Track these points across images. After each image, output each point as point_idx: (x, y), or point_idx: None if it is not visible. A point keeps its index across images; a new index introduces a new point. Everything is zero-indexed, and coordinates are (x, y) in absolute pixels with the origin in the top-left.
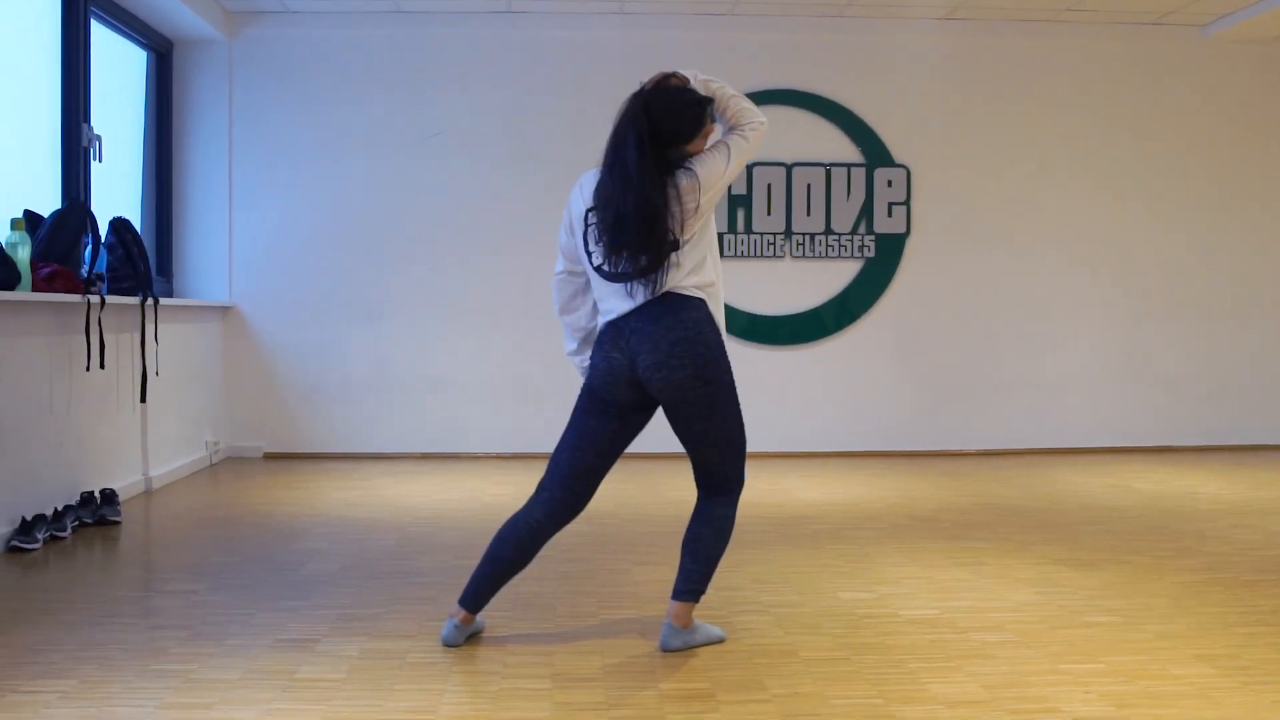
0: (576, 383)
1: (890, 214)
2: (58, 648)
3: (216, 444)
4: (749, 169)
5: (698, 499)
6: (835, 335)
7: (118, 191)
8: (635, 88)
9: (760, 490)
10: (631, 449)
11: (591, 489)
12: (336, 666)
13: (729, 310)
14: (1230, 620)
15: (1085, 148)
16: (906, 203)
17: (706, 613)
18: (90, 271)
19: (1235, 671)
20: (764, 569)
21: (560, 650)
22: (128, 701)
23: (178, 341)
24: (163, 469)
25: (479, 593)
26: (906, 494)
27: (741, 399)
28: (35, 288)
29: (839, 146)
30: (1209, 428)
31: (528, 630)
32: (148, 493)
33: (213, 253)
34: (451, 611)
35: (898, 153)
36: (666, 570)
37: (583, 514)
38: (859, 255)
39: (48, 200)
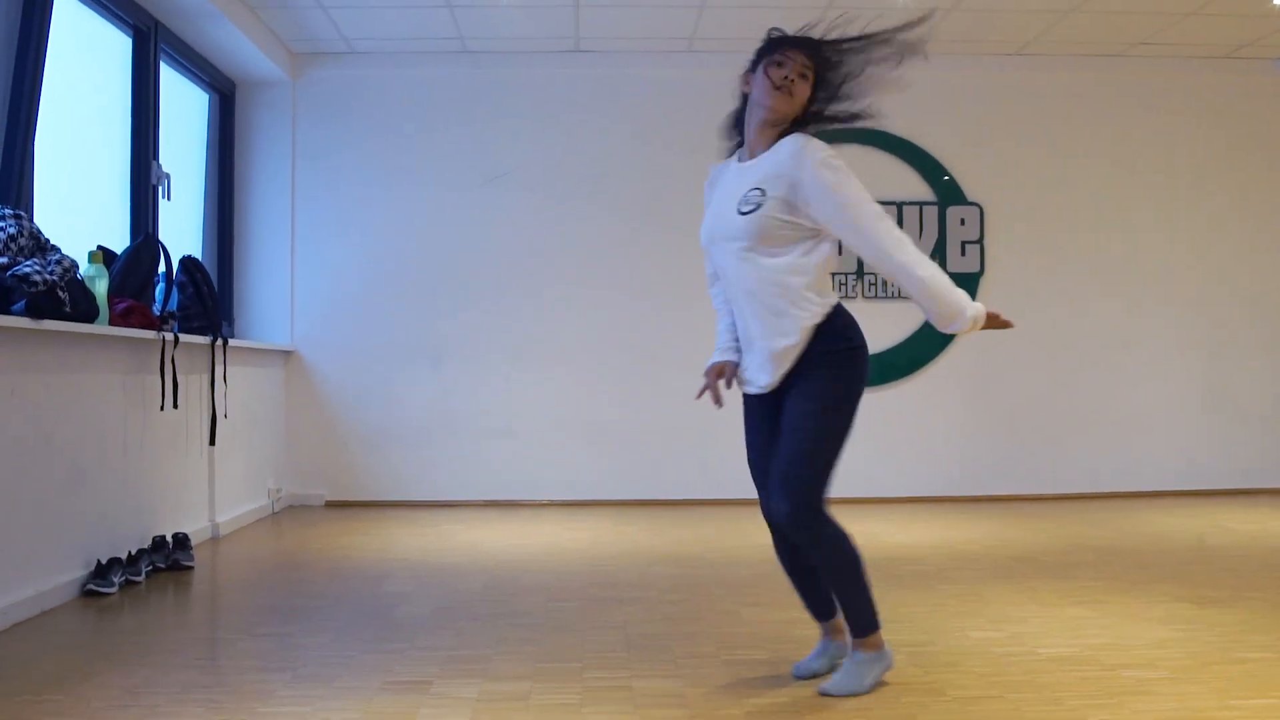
0: (647, 427)
1: (964, 253)
2: (158, 690)
3: (278, 491)
4: None
5: None
6: (908, 377)
7: (183, 232)
8: (704, 125)
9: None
10: (705, 494)
11: None
12: (459, 709)
13: None
14: None
15: (1159, 182)
16: (980, 241)
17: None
18: (164, 308)
19: None
20: (881, 608)
21: (691, 691)
22: None
23: (242, 384)
24: (228, 515)
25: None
26: (997, 536)
27: None
28: (112, 322)
29: (911, 185)
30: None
31: (649, 671)
32: (215, 539)
33: (275, 295)
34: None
35: (970, 191)
36: (776, 610)
37: (670, 555)
38: None
39: (118, 237)
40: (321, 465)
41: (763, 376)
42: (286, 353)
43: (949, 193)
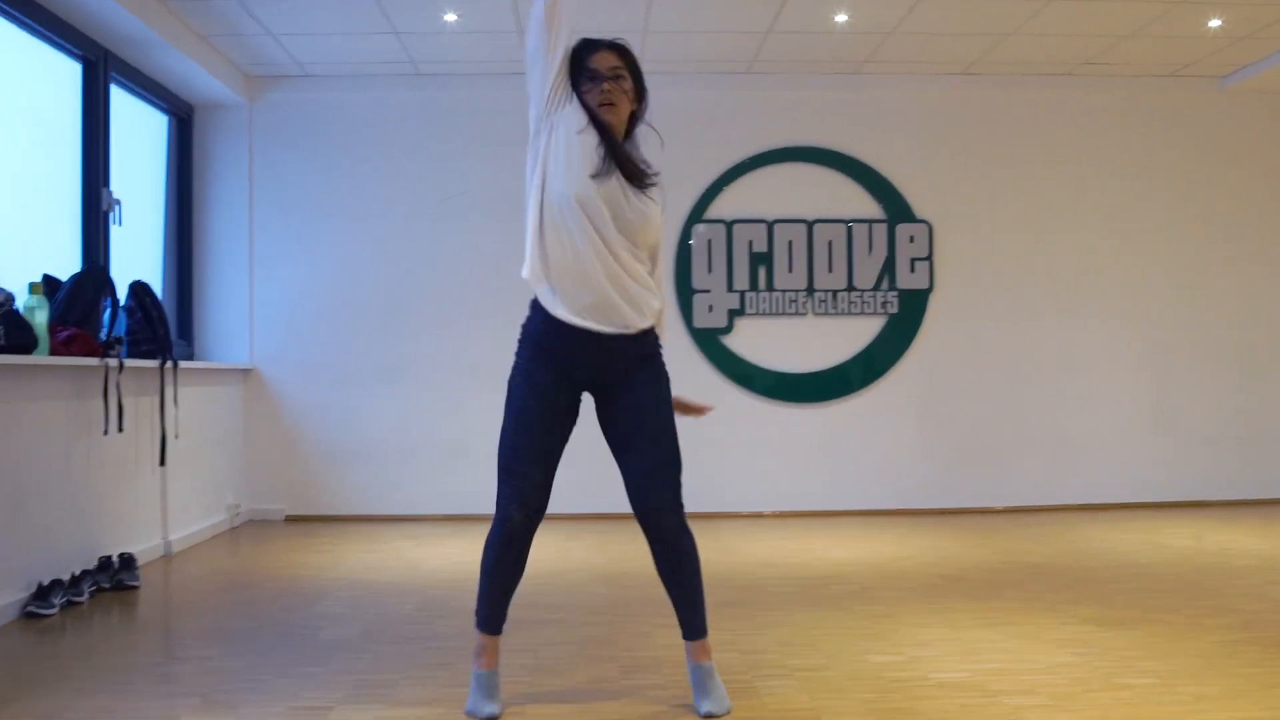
0: (599, 443)
1: (913, 269)
2: (70, 715)
3: (237, 507)
4: (770, 225)
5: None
6: (859, 392)
7: (139, 254)
8: (658, 143)
9: (786, 550)
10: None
11: None
12: None
13: (753, 368)
14: (1268, 681)
15: (1107, 201)
16: (929, 258)
17: (732, 678)
18: (109, 335)
19: None
20: (789, 631)
21: (576, 717)
22: None
23: (198, 404)
24: (182, 533)
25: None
26: (934, 553)
27: (766, 456)
28: (53, 351)
29: (860, 203)
30: (1240, 482)
31: (547, 697)
32: (167, 557)
33: (233, 315)
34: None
35: (919, 208)
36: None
37: (603, 575)
38: (882, 311)
39: (69, 264)
40: (281, 481)
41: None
42: (245, 371)
43: (897, 210)
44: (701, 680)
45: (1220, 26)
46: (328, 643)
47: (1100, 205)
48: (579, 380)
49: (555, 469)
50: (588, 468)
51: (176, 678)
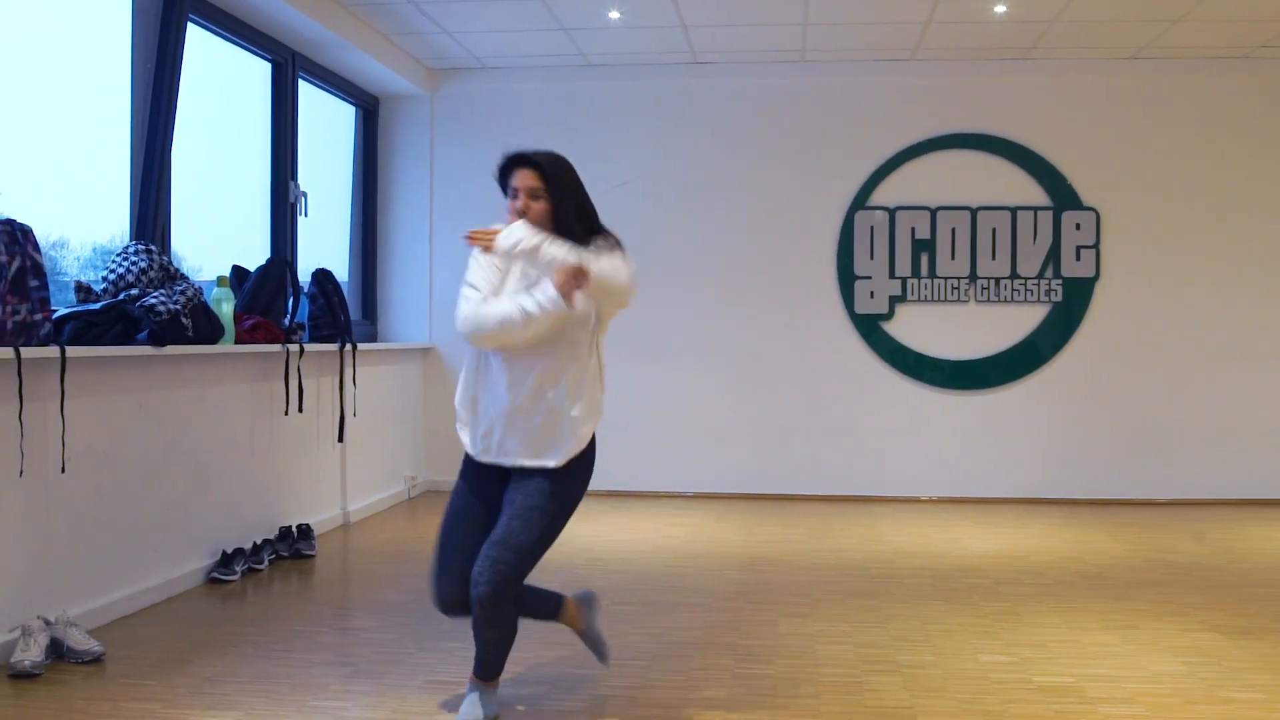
0: (758, 424)
1: (1079, 257)
2: (233, 679)
3: (415, 478)
4: (933, 212)
5: None
6: (1020, 380)
7: (327, 242)
8: (821, 131)
9: (930, 539)
10: (812, 490)
11: None
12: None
13: (913, 355)
14: None
15: None
16: (1096, 246)
17: (840, 672)
18: (291, 321)
19: None
20: (908, 625)
21: (686, 705)
22: None
23: (379, 383)
24: (360, 503)
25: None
26: (1081, 547)
27: (924, 442)
28: (239, 339)
29: (1025, 190)
30: None
31: (659, 682)
32: (345, 526)
33: (415, 296)
34: None
35: (1086, 195)
36: (812, 623)
37: (743, 559)
38: (1045, 300)
39: (259, 255)
40: (457, 453)
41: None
42: (425, 349)
43: (1064, 197)
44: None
45: None
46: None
47: (1272, 192)
48: None
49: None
50: (749, 450)
51: (331, 647)
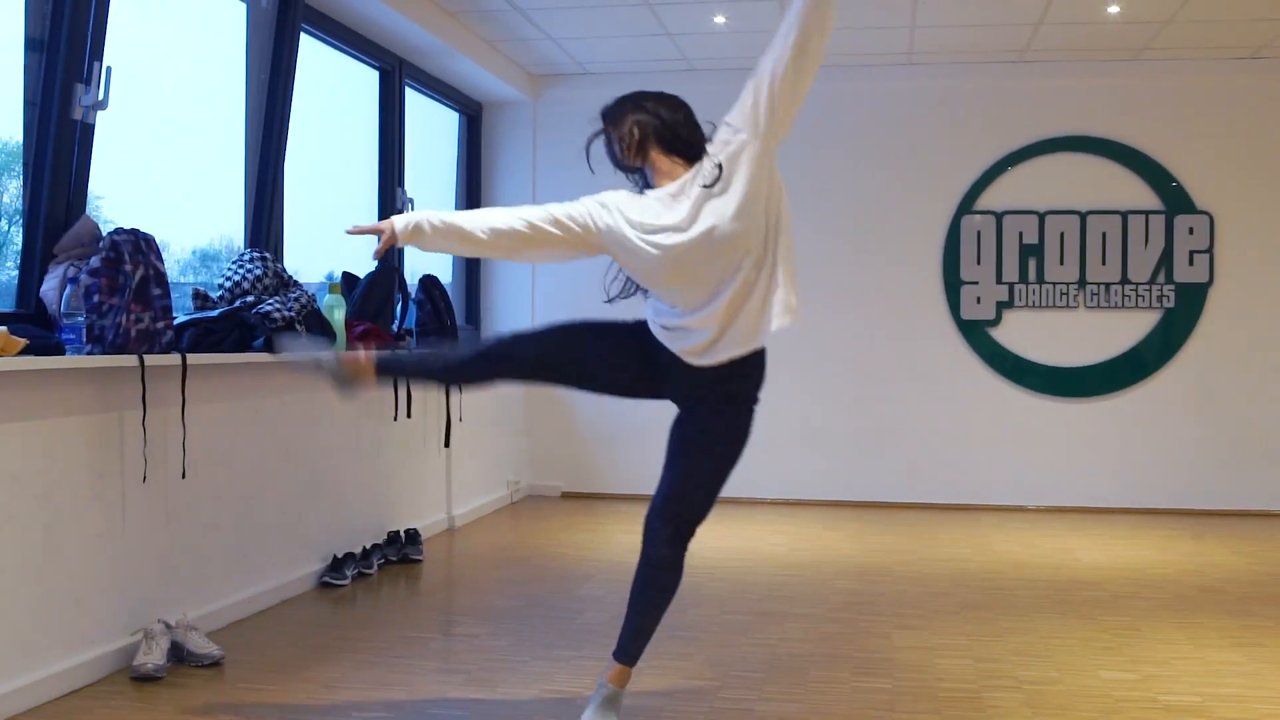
0: (861, 430)
1: (1192, 262)
2: (349, 685)
3: (517, 483)
4: (1041, 216)
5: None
6: (1131, 388)
7: None
8: (926, 134)
9: (1042, 550)
10: (915, 498)
11: None
12: None
13: (1021, 361)
14: None
15: None
16: (1209, 250)
17: (958, 687)
18: (400, 327)
19: None
20: (1028, 640)
21: (801, 717)
22: None
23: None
24: (465, 508)
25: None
26: (1196, 559)
27: (1031, 450)
28: (349, 345)
29: (1136, 193)
30: None
31: (776, 694)
32: (450, 530)
33: (518, 301)
34: None
35: (1200, 199)
36: (926, 635)
37: (854, 568)
38: (1157, 306)
39: (368, 261)
40: (558, 459)
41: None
42: None
43: (1177, 201)
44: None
45: None
46: (585, 626)
47: None
48: None
49: None
50: (852, 456)
51: (447, 654)
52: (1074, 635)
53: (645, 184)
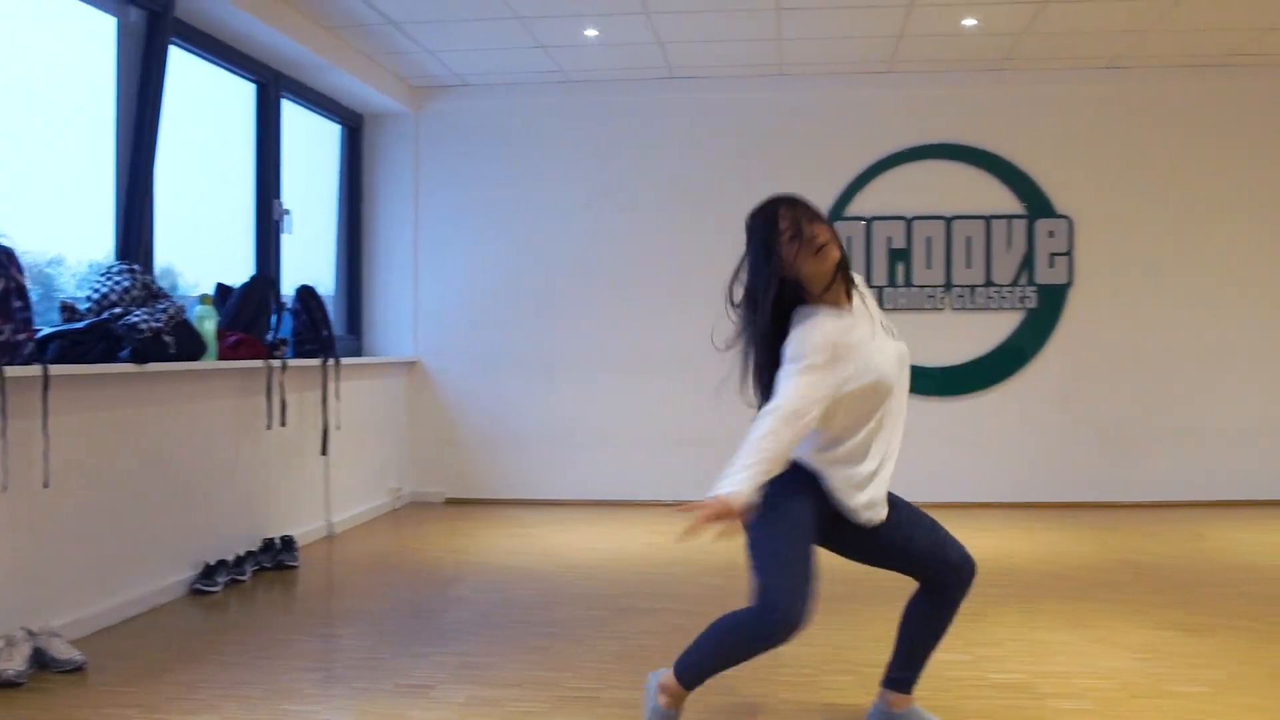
0: (741, 431)
1: (1052, 265)
2: (211, 686)
3: (399, 490)
4: (909, 221)
5: None
6: (995, 387)
7: (313, 258)
8: (798, 143)
9: None
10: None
11: None
12: (442, 711)
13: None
14: None
15: (1255, 193)
16: (1069, 253)
17: (799, 672)
18: (274, 338)
19: None
20: (874, 627)
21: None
22: None
23: (363, 396)
24: (344, 514)
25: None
26: (1049, 549)
27: (904, 452)
28: (222, 356)
29: (999, 198)
30: None
31: (622, 683)
32: (330, 537)
33: (400, 311)
34: None
35: (1060, 203)
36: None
37: (720, 566)
38: (1020, 306)
39: (244, 272)
40: (441, 466)
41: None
42: (410, 363)
43: (1038, 206)
44: None
45: None
46: (448, 625)
47: (1247, 198)
48: None
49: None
50: (729, 458)
51: (310, 654)
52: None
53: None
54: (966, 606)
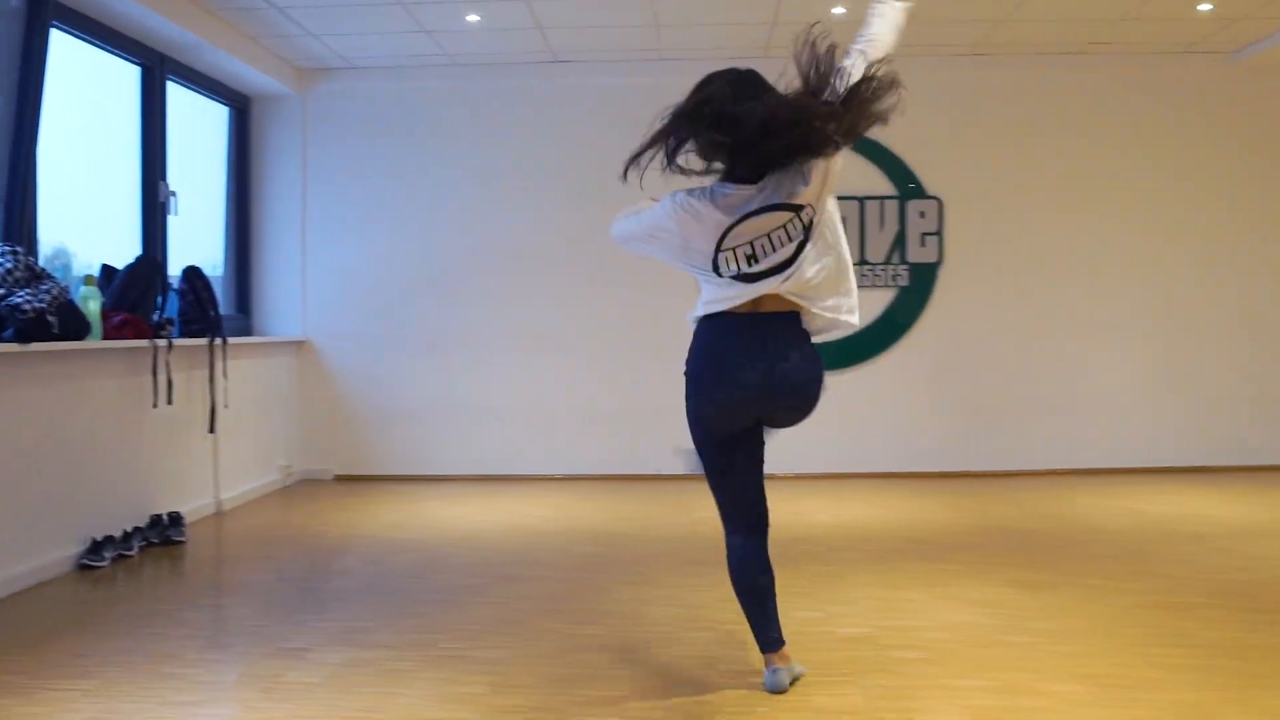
0: (627, 408)
1: (923, 244)
2: (94, 654)
3: (289, 468)
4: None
5: (754, 538)
6: (869, 361)
7: (203, 239)
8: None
9: (778, 513)
10: (666, 470)
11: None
12: (317, 672)
13: None
14: (1138, 641)
15: (1116, 175)
16: (939, 233)
17: (659, 629)
18: (160, 317)
19: (1109, 689)
20: (722, 589)
21: (508, 661)
22: (135, 699)
23: (253, 375)
24: (233, 491)
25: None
26: (916, 516)
27: None
28: (107, 335)
29: (873, 180)
30: (1244, 449)
31: (491, 644)
32: (218, 514)
33: (288, 291)
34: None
35: (930, 185)
36: (646, 589)
37: (596, 535)
38: (893, 284)
39: (131, 253)
40: (331, 443)
41: None
42: (299, 342)
43: (909, 187)
44: None
45: (1211, 10)
46: (331, 594)
47: (1108, 180)
48: None
49: None
50: (617, 432)
51: (191, 622)
52: (778, 584)
53: None
54: (825, 568)
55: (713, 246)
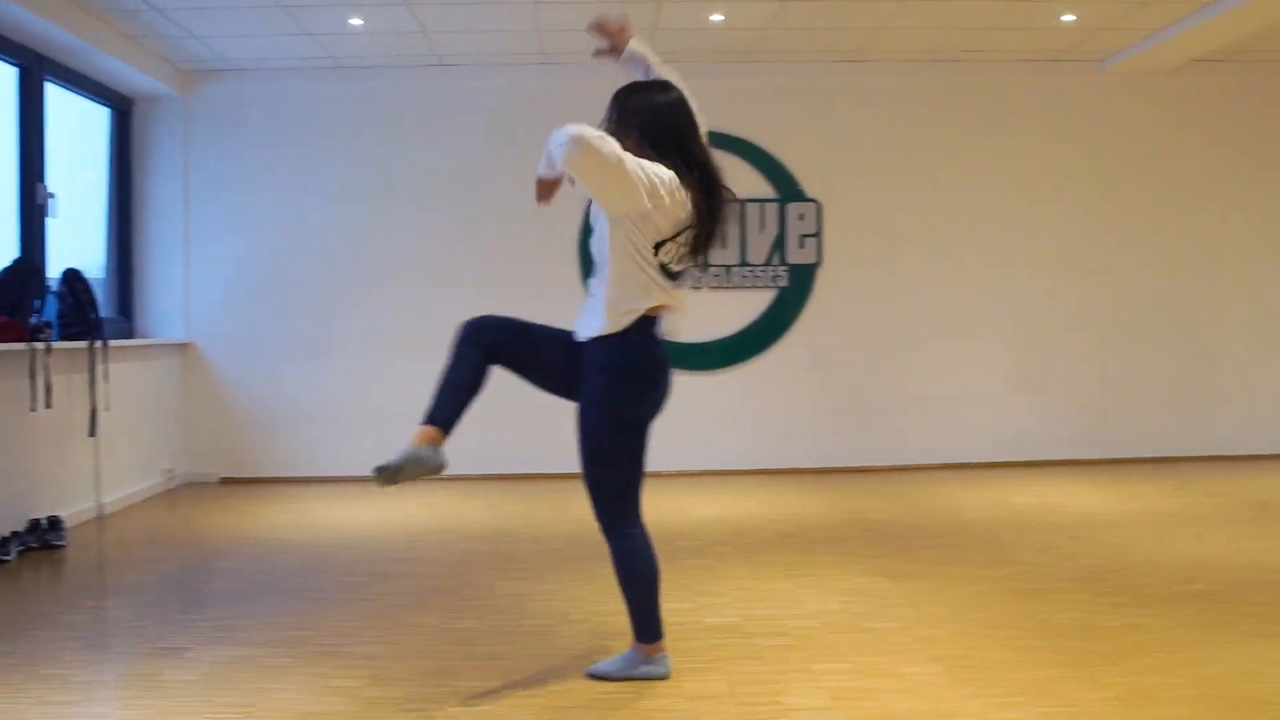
0: (510, 408)
1: (802, 245)
2: None
3: (172, 471)
4: None
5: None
6: (750, 360)
7: (83, 242)
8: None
9: (659, 510)
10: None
11: None
12: (194, 670)
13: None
14: (992, 624)
15: (989, 180)
16: (818, 235)
17: (533, 622)
18: (38, 320)
19: (958, 670)
20: (612, 583)
21: (385, 655)
22: (12, 699)
23: (135, 378)
24: (115, 495)
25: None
26: (790, 510)
27: (664, 422)
28: None
29: (753, 183)
30: (1098, 443)
31: (367, 639)
32: (100, 518)
33: (171, 294)
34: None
35: (809, 188)
36: (525, 584)
37: (481, 532)
38: (773, 285)
39: (8, 255)
40: (216, 446)
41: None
42: (182, 345)
43: (789, 190)
44: None
45: (1075, 21)
46: (211, 594)
47: (979, 184)
48: None
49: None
50: (504, 432)
51: (70, 624)
52: None
53: None
54: (700, 561)
55: (670, 231)
